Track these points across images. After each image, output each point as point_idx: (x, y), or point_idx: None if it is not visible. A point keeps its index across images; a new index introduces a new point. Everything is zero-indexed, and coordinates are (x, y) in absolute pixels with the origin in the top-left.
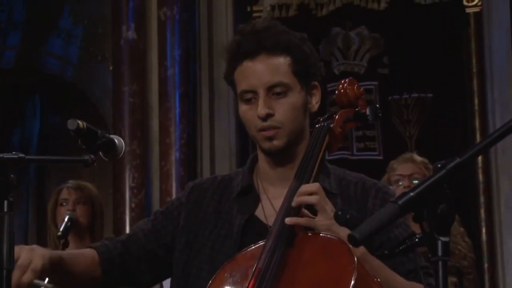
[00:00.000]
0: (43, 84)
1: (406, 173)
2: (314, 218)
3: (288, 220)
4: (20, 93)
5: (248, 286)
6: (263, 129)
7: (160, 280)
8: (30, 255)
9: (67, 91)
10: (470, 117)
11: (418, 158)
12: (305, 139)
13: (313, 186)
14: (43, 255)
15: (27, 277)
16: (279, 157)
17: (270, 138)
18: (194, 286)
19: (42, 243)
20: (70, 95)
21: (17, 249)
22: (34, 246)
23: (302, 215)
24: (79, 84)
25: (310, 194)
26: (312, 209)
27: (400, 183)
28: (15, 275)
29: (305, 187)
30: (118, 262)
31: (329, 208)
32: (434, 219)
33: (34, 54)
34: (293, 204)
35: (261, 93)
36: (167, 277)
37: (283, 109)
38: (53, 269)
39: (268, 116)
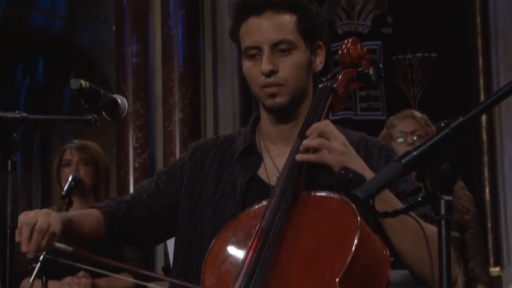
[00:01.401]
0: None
1: (408, 130)
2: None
3: (298, 157)
4: (22, 54)
5: (251, 245)
6: (266, 86)
7: (162, 240)
8: (48, 219)
9: (73, 52)
10: (474, 76)
11: (418, 114)
12: (308, 98)
13: (322, 122)
14: (60, 218)
15: (47, 241)
16: (282, 115)
17: (273, 95)
18: (198, 245)
19: (46, 203)
20: (70, 55)
21: (33, 213)
22: (48, 210)
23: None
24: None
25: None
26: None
27: (402, 139)
28: (35, 239)
29: (315, 124)
30: (122, 223)
31: (340, 137)
32: (437, 178)
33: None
34: (307, 132)
35: (266, 49)
36: (170, 237)
37: (287, 67)
38: (65, 232)
39: (271, 73)
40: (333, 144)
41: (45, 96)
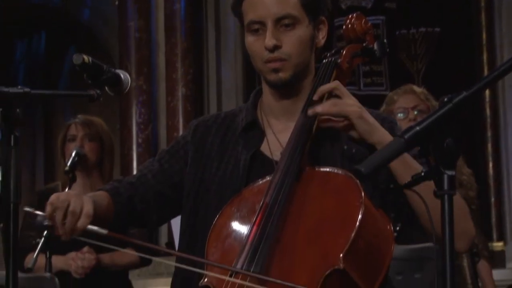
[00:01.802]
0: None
1: (409, 106)
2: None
3: (311, 112)
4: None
5: (255, 221)
6: (270, 61)
7: (168, 219)
8: (80, 201)
9: (73, 27)
10: (477, 51)
11: (418, 89)
12: (310, 73)
13: (333, 82)
14: (91, 200)
15: (82, 223)
16: (284, 90)
17: (276, 70)
18: (203, 223)
19: (49, 178)
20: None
21: (64, 196)
22: (78, 192)
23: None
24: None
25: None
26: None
27: (402, 115)
28: (69, 222)
29: (323, 85)
30: (129, 204)
31: (352, 97)
32: (440, 153)
33: None
34: (315, 97)
35: (269, 24)
36: (175, 216)
37: (291, 42)
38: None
39: (275, 48)
40: (347, 100)
41: (45, 70)
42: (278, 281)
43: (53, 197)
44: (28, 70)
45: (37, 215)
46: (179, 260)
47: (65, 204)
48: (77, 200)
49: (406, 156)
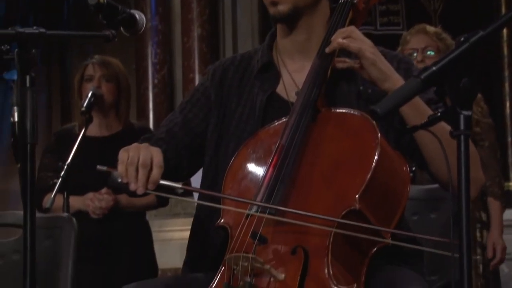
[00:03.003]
0: None
1: (420, 46)
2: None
3: (328, 49)
4: None
5: (271, 162)
6: None
7: (198, 169)
8: (149, 152)
9: None
10: None
11: (431, 28)
12: (320, 12)
13: (348, 27)
14: (160, 150)
15: (154, 174)
16: (288, 25)
17: (275, 3)
18: (223, 165)
19: (66, 119)
20: None
21: (133, 150)
22: (146, 144)
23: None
24: None
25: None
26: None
27: (414, 55)
28: (142, 174)
29: (340, 30)
30: (165, 160)
31: (367, 40)
32: (456, 93)
33: None
34: (327, 49)
35: None
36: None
37: None
38: None
39: None
40: (362, 44)
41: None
42: (296, 211)
43: (122, 154)
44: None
45: (111, 172)
46: (201, 200)
47: (135, 159)
48: (147, 152)
49: (418, 101)
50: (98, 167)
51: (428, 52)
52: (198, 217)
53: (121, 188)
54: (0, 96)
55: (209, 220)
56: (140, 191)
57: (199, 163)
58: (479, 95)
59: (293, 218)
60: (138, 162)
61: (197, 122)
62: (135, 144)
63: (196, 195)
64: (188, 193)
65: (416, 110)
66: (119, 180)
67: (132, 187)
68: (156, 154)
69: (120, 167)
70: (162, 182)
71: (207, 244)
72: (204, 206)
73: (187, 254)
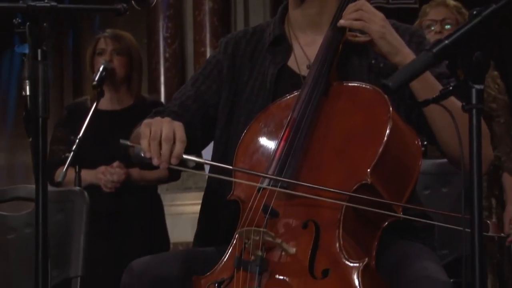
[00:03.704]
0: None
1: (438, 18)
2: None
3: (341, 22)
4: None
5: (282, 136)
6: None
7: (210, 141)
8: (171, 127)
9: None
10: None
11: (451, 2)
12: None
13: (359, 1)
14: (182, 125)
15: (178, 149)
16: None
17: None
18: (234, 138)
19: (78, 93)
20: None
21: (155, 125)
22: (168, 118)
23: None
24: None
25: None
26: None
27: (432, 28)
28: (165, 149)
29: (351, 4)
30: None
31: (379, 13)
32: (468, 67)
33: None
34: (338, 24)
35: None
36: None
37: None
38: None
39: None
40: (373, 17)
41: None
42: (308, 184)
43: (145, 128)
44: None
45: (134, 147)
46: (211, 173)
47: (158, 134)
48: (169, 127)
49: (428, 76)
50: (121, 141)
51: (447, 26)
52: (209, 190)
53: (144, 163)
54: (6, 68)
55: (221, 193)
56: (163, 166)
57: (212, 136)
58: (495, 72)
59: (304, 192)
60: (160, 136)
61: (210, 95)
62: (157, 118)
63: (207, 168)
64: (199, 166)
65: (426, 85)
66: (142, 155)
67: (155, 162)
68: (178, 129)
69: (143, 142)
70: (185, 156)
71: (218, 217)
72: (215, 179)
73: (198, 227)
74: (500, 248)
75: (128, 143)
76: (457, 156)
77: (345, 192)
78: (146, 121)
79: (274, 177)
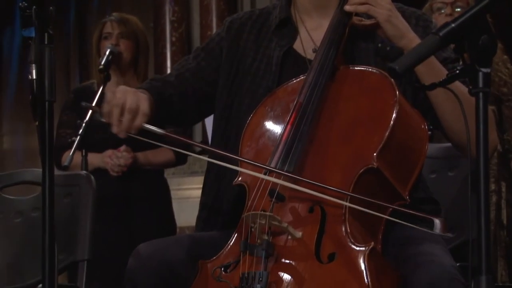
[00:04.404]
0: None
1: (449, 0)
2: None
3: (347, 7)
4: None
5: (289, 120)
6: None
7: (205, 117)
8: (136, 98)
9: None
10: None
11: None
12: None
13: None
14: (147, 97)
15: (139, 121)
16: None
17: None
18: (236, 119)
19: (84, 77)
20: None
21: (120, 93)
22: (135, 90)
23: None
24: None
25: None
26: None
27: (442, 10)
28: (126, 119)
29: None
30: (167, 103)
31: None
32: (475, 50)
33: None
34: (345, 9)
35: None
36: (211, 114)
37: None
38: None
39: None
40: (379, 0)
41: None
42: (310, 181)
43: (109, 94)
44: None
45: (95, 110)
46: (213, 156)
47: (121, 102)
48: (134, 98)
49: (433, 60)
50: (83, 103)
51: (457, 9)
52: (209, 174)
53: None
54: (6, 47)
55: (222, 176)
56: (121, 135)
57: (206, 112)
58: (505, 56)
59: (311, 177)
60: (124, 106)
61: (209, 70)
62: (122, 87)
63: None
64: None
65: (432, 69)
66: (102, 119)
67: (115, 129)
68: (143, 101)
69: (105, 107)
70: (145, 126)
71: (219, 201)
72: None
73: (199, 211)
74: (509, 232)
75: (89, 105)
76: (462, 140)
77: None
78: (113, 88)
79: (277, 170)
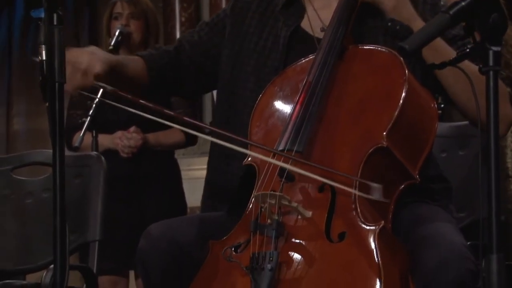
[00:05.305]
0: None
1: None
2: None
3: None
4: None
5: (298, 100)
6: None
7: (204, 92)
8: (90, 58)
9: None
10: None
11: None
12: None
13: None
14: (103, 58)
15: (89, 81)
16: None
17: None
18: (240, 98)
19: None
20: None
21: (77, 52)
22: (94, 49)
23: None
24: None
25: None
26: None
27: None
28: (77, 78)
29: None
30: (164, 70)
31: None
32: (485, 28)
33: None
34: None
35: None
36: (212, 89)
37: None
38: (110, 72)
39: None
40: None
41: None
42: (319, 166)
43: (67, 52)
44: None
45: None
46: (216, 134)
47: (73, 59)
48: (88, 58)
49: (439, 42)
50: (33, 57)
51: None
52: (215, 151)
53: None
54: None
55: (228, 155)
56: (72, 93)
57: (205, 86)
58: None
59: (320, 157)
60: (75, 64)
61: (210, 45)
62: (92, 47)
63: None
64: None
65: (438, 53)
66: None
67: (66, 86)
68: (95, 61)
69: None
70: (96, 82)
71: (225, 178)
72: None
73: (206, 187)
74: None
75: (39, 58)
76: (476, 117)
77: (360, 156)
78: (73, 49)
79: (285, 154)
